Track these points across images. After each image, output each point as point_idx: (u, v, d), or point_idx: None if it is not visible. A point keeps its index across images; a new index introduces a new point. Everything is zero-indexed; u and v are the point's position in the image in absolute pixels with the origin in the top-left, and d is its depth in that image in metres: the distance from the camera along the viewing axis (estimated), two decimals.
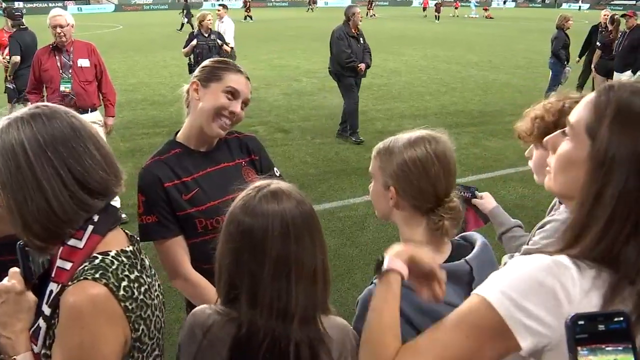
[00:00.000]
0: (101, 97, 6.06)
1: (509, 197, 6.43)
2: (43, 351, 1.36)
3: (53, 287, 1.35)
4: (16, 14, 8.36)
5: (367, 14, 43.24)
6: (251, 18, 39.88)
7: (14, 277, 1.34)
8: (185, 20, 29.88)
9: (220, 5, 11.85)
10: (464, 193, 2.21)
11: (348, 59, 8.56)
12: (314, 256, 1.44)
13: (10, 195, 1.33)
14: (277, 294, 1.40)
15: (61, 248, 1.37)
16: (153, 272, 1.58)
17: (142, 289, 1.43)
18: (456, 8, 47.04)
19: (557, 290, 1.03)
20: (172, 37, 25.89)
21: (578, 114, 1.15)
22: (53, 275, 1.36)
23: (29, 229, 1.34)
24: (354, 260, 5.08)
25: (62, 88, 5.71)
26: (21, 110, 1.38)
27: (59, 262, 1.35)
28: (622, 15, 9.90)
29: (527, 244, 1.93)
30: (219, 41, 9.18)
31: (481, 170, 7.41)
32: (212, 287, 2.12)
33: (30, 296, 1.36)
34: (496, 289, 1.07)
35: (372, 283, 1.60)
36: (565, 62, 10.50)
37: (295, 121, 10.14)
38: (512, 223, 2.22)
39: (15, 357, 1.35)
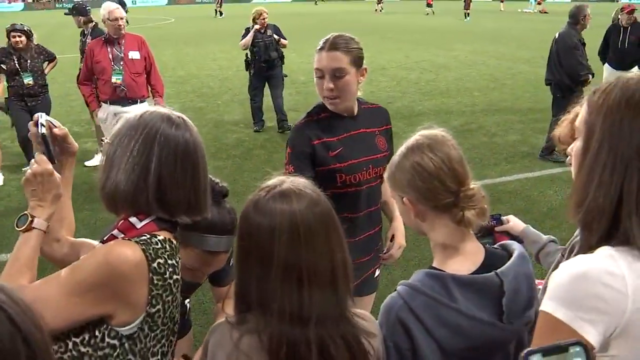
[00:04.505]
0: (150, 89, 6.19)
1: (556, 196, 6.27)
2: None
3: None
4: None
5: (379, 9, 43.25)
6: (221, 14, 38.53)
7: (42, 162, 1.54)
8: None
9: None
10: (489, 222, 2.09)
11: (584, 72, 7.22)
12: (331, 258, 1.37)
13: (111, 155, 1.51)
14: (288, 298, 1.32)
15: (122, 221, 1.51)
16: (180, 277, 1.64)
17: (173, 277, 1.51)
18: (502, 1, 44.61)
19: (604, 293, 1.14)
20: (222, 31, 26.19)
21: (579, 116, 1.30)
22: (105, 239, 1.51)
23: (114, 188, 1.50)
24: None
25: (113, 80, 5.84)
26: (170, 111, 1.57)
27: (114, 232, 1.50)
28: (621, 9, 9.00)
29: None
30: (275, 36, 9.02)
31: (528, 168, 7.25)
32: None
33: (57, 175, 1.57)
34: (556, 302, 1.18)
35: (395, 290, 1.55)
36: None
37: None
38: (545, 239, 2.12)
39: (35, 216, 1.51)
